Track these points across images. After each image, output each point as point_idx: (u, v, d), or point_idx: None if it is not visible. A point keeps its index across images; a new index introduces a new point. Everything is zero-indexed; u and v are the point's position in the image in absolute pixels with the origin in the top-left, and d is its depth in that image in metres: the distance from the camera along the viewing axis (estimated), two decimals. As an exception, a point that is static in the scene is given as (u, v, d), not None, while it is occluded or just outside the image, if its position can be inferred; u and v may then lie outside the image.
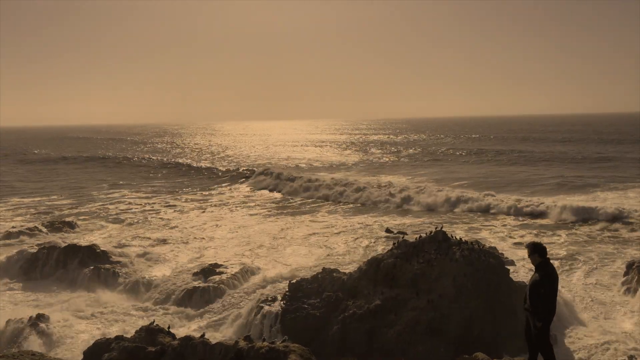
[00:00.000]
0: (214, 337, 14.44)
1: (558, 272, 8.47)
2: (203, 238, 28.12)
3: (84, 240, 26.59)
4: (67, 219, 31.92)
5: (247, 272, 21.04)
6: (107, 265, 21.87)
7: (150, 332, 12.30)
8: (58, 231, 29.06)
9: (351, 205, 37.85)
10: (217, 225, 31.62)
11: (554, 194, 38.08)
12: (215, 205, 38.96)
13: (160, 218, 33.98)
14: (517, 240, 26.01)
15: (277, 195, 43.93)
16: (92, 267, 21.67)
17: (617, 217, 28.90)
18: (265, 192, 45.75)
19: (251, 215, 34.93)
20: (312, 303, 15.69)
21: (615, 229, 27.56)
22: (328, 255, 23.94)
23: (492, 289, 14.88)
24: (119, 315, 18.20)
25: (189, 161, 74.94)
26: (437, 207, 35.08)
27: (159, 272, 21.84)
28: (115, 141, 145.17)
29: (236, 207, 38.36)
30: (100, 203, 39.89)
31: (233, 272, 20.69)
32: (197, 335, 11.93)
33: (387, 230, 28.25)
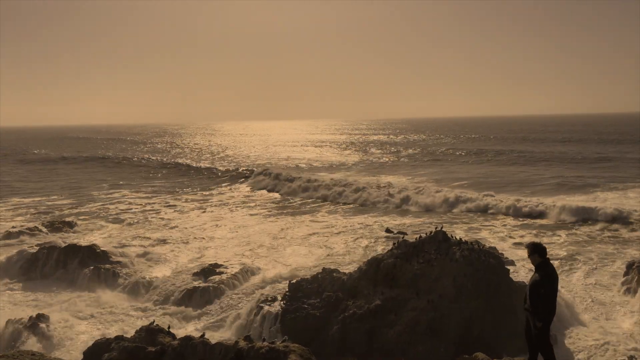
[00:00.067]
0: (213, 337, 14.43)
1: (558, 272, 8.46)
2: (203, 238, 28.12)
3: (84, 240, 26.59)
4: (67, 219, 31.95)
5: (247, 272, 21.05)
6: (107, 266, 21.87)
7: (150, 332, 12.30)
8: (58, 231, 29.08)
9: (351, 206, 37.86)
10: (217, 225, 31.62)
11: (553, 194, 38.11)
12: (215, 205, 38.97)
13: (160, 218, 33.99)
14: (517, 240, 26.03)
15: (277, 195, 43.93)
16: (92, 267, 21.66)
17: (617, 217, 28.92)
18: (265, 192, 45.76)
19: (251, 215, 34.94)
20: (312, 303, 15.70)
21: (615, 229, 27.59)
22: (328, 255, 23.96)
23: (492, 289, 14.89)
24: (119, 316, 18.21)
25: (188, 161, 74.92)
26: (437, 207, 35.09)
27: (159, 272, 21.85)
28: (115, 141, 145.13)
29: (236, 207, 38.37)
30: (100, 203, 39.90)
31: (233, 272, 20.71)
32: (197, 335, 11.93)
33: (387, 231, 28.26)
